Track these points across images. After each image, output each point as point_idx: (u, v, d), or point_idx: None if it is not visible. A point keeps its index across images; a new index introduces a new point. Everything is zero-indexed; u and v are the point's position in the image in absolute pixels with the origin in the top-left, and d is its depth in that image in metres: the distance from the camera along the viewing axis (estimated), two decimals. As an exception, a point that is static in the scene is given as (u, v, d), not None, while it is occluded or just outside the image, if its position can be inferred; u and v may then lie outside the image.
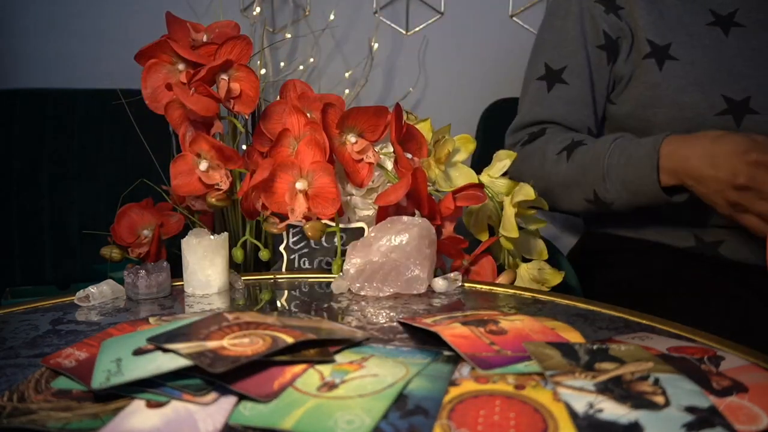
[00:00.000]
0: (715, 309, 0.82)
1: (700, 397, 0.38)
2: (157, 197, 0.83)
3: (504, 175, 0.82)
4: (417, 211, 0.72)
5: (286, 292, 0.66)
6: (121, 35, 1.35)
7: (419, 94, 1.46)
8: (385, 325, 0.54)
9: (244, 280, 0.68)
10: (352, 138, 0.69)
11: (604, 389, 0.38)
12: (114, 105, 1.01)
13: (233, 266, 0.69)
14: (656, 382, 0.39)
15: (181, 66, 0.71)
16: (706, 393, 0.38)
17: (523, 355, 0.44)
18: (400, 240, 0.63)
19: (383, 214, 0.69)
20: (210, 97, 0.69)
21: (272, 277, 0.71)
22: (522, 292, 0.65)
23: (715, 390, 0.39)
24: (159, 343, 0.43)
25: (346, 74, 1.40)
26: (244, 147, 0.83)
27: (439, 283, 0.65)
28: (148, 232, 0.79)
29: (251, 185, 0.66)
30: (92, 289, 0.61)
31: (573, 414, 0.36)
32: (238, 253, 0.71)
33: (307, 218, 0.66)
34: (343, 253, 0.68)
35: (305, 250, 0.74)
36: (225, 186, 0.70)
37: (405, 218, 0.66)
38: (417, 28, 1.43)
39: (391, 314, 0.57)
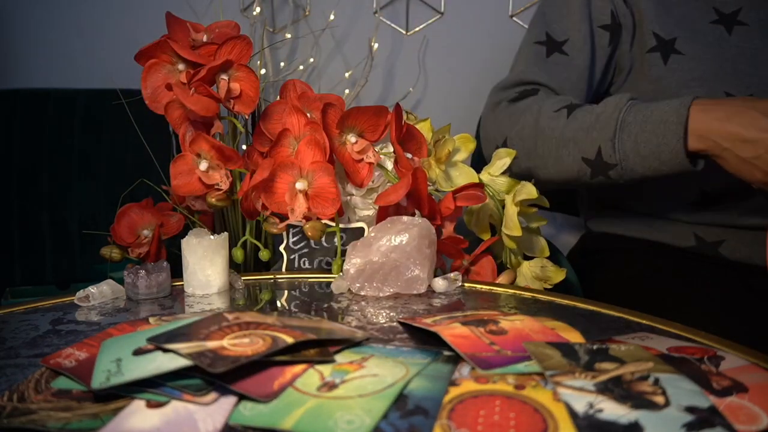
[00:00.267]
0: (715, 309, 0.82)
1: (700, 397, 0.38)
2: (157, 197, 0.83)
3: (504, 173, 0.82)
4: (417, 211, 0.72)
5: (286, 292, 0.66)
6: (121, 35, 1.36)
7: (419, 94, 1.46)
8: (385, 325, 0.54)
9: (244, 280, 0.68)
10: (352, 138, 0.69)
11: (604, 389, 0.38)
12: (114, 105, 1.01)
13: (233, 266, 0.69)
14: (656, 382, 0.39)
15: (181, 66, 0.71)
16: (706, 393, 0.38)
17: (523, 355, 0.44)
18: (400, 240, 0.63)
19: (383, 214, 0.69)
20: (210, 97, 0.69)
21: (272, 277, 0.71)
22: (522, 292, 0.65)
23: (715, 390, 0.39)
24: (159, 343, 0.43)
25: (346, 74, 1.40)
26: (244, 147, 0.83)
27: (439, 283, 0.65)
28: (148, 232, 0.79)
29: (251, 185, 0.66)
30: (92, 289, 0.61)
31: (573, 414, 0.36)
32: (238, 253, 0.71)
33: (307, 218, 0.66)
34: (343, 253, 0.68)
35: (305, 250, 0.74)
36: (225, 186, 0.70)
37: (405, 218, 0.66)
38: (417, 28, 1.43)
39: (391, 314, 0.57)
